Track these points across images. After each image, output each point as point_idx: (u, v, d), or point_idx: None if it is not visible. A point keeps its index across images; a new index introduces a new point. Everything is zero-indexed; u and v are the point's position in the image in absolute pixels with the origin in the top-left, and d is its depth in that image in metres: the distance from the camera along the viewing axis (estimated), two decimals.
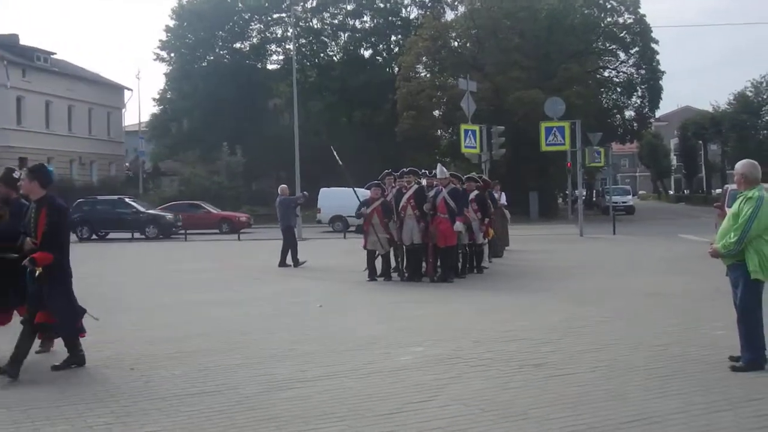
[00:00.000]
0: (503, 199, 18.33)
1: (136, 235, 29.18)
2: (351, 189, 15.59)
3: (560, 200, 56.06)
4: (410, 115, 41.90)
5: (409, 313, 9.38)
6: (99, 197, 33.00)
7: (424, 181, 13.46)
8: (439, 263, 13.35)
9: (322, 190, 34.66)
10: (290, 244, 16.31)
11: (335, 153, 14.56)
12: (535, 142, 29.33)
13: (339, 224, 31.77)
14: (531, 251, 19.05)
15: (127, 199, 32.00)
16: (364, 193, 14.44)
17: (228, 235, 30.52)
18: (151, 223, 29.84)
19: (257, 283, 13.42)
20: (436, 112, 46.24)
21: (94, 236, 30.08)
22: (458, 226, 12.50)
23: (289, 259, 16.18)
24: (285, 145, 49.43)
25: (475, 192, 14.10)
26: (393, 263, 13.45)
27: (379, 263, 13.21)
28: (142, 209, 30.80)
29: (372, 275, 13.01)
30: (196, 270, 16.08)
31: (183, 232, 29.25)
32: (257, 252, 21.72)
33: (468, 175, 14.95)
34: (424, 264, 12.89)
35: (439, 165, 13.35)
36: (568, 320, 8.48)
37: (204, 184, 42.20)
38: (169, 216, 30.75)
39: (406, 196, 12.84)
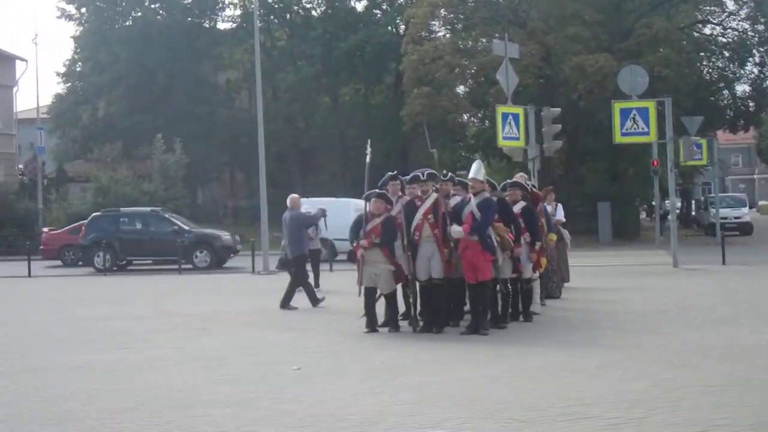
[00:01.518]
0: (559, 214, 18.30)
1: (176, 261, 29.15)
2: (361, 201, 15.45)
3: (643, 214, 56.06)
4: (422, 93, 42.06)
5: (424, 378, 9.33)
6: (122, 209, 33.33)
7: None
8: (467, 306, 13.28)
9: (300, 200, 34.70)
10: (301, 278, 16.74)
11: (368, 152, 14.10)
12: (605, 130, 29.32)
13: (324, 250, 31.75)
14: (601, 290, 19.01)
15: (162, 212, 32.40)
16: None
17: (163, 266, 30.63)
18: (202, 247, 30.00)
19: (204, 335, 13.41)
20: (461, 89, 46.42)
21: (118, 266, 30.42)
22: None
23: (301, 301, 16.45)
24: (244, 137, 49.73)
25: (522, 203, 14.03)
26: (403, 307, 13.41)
27: (382, 307, 13.15)
28: (185, 227, 31.15)
29: (372, 324, 12.99)
30: (115, 316, 16.11)
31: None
32: (205, 290, 21.64)
33: (512, 180, 14.82)
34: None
35: (476, 162, 13.22)
36: (656, 390, 8.42)
37: (129, 193, 42.38)
38: (225, 236, 31.13)
39: (421, 211, 12.78)
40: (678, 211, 45.15)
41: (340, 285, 20.75)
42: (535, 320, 14.03)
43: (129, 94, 52.19)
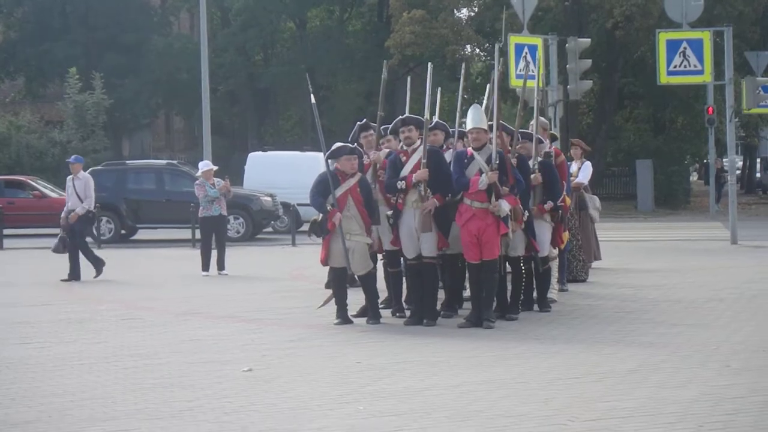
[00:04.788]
0: (582, 175, 18.21)
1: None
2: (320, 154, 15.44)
3: (694, 176, 56.20)
4: (414, 19, 41.92)
5: (410, 383, 9.36)
6: (129, 162, 33.37)
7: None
8: (467, 290, 13.29)
9: (252, 155, 34.76)
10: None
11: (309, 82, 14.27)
12: (647, 68, 29.24)
13: (283, 219, 31.83)
14: (639, 271, 19.10)
15: (181, 166, 32.42)
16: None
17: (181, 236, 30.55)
18: (233, 212, 28.56)
19: (132, 327, 13.38)
20: (463, 13, 46.28)
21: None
22: (504, 206, 12.23)
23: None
24: (183, 73, 49.34)
25: (540, 158, 13.94)
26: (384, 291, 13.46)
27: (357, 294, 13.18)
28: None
29: (343, 315, 12.99)
30: (15, 302, 16.12)
31: None
32: (134, 266, 21.63)
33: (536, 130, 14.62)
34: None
35: (473, 107, 13.19)
36: (707, 400, 8.47)
37: (35, 144, 42.15)
38: (264, 198, 30.96)
39: (408, 167, 12.74)
40: (739, 171, 45.30)
41: (304, 264, 20.71)
42: (554, 310, 14.04)
43: (34, 16, 51.67)
